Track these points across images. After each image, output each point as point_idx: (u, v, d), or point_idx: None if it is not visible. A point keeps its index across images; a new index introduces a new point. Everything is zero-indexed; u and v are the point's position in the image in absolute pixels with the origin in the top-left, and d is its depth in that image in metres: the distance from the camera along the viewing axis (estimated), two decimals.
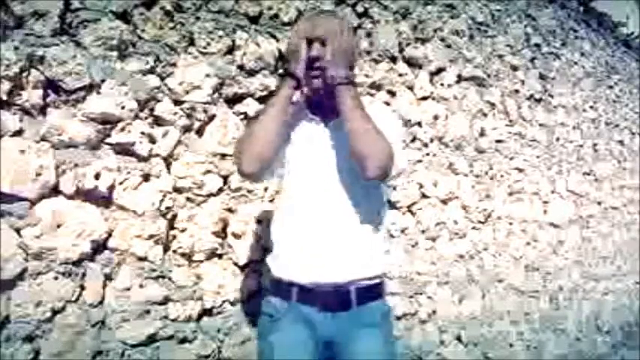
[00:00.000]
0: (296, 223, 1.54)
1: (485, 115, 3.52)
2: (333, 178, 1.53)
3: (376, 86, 2.72)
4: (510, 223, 3.71)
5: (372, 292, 1.55)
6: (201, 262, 1.99)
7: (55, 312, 1.61)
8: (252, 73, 2.16)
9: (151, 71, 1.87)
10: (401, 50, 2.89)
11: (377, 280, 1.57)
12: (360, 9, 2.67)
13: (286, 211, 1.57)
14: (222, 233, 2.05)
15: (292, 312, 1.52)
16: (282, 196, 1.64)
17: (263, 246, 2.14)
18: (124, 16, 1.81)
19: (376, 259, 1.57)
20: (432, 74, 3.10)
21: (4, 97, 1.53)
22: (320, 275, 1.49)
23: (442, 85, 3.15)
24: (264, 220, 2.14)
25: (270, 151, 1.49)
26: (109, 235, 1.75)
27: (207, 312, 1.99)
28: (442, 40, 3.18)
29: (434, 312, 2.99)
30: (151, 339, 1.83)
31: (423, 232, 2.97)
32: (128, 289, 1.78)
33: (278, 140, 1.51)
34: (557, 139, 4.38)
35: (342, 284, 1.51)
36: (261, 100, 2.19)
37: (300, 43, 1.51)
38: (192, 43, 1.99)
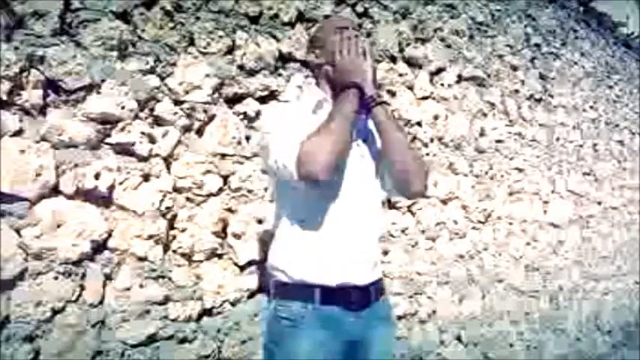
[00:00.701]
0: (320, 229, 1.52)
1: (485, 115, 3.52)
2: (357, 184, 1.56)
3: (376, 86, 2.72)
4: (510, 223, 3.71)
5: (381, 288, 1.64)
6: (201, 262, 1.99)
7: (55, 312, 1.61)
8: (252, 73, 2.17)
9: (151, 71, 1.87)
10: (401, 50, 2.89)
11: (381, 277, 1.66)
12: (360, 9, 2.67)
13: (309, 217, 1.54)
14: (222, 233, 2.05)
15: (313, 315, 1.50)
16: (298, 202, 1.56)
17: (263, 246, 2.14)
18: (124, 16, 1.81)
19: (380, 261, 1.65)
20: (432, 74, 3.10)
21: (4, 97, 1.53)
22: (345, 277, 1.52)
23: (442, 85, 3.16)
24: (264, 221, 2.14)
25: (341, 161, 1.51)
26: (109, 235, 1.75)
27: (207, 312, 1.99)
28: (442, 40, 3.18)
29: (434, 312, 2.99)
30: (151, 339, 1.83)
31: (423, 232, 2.97)
32: (128, 289, 1.78)
33: (348, 151, 1.53)
34: (557, 139, 4.38)
35: (364, 285, 1.55)
36: (261, 100, 2.19)
37: (361, 59, 1.54)
38: (192, 43, 1.99)
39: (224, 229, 2.06)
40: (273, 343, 1.55)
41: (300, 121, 1.50)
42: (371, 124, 1.61)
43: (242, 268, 2.09)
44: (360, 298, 1.54)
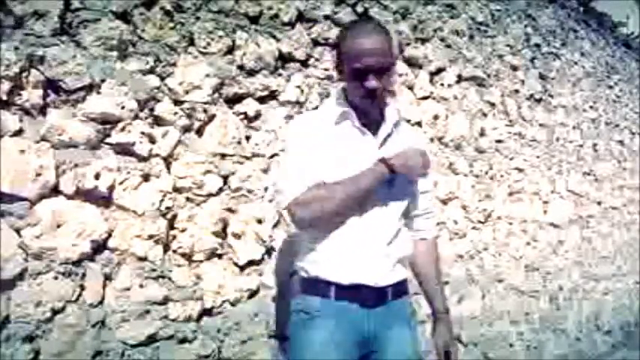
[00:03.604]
0: (340, 232, 1.55)
1: (485, 115, 3.52)
2: (386, 196, 1.57)
3: None
4: (510, 223, 3.71)
5: (401, 288, 1.64)
6: (201, 262, 1.99)
7: (55, 312, 1.61)
8: (252, 73, 2.16)
9: (151, 71, 1.87)
10: (401, 50, 2.89)
11: (404, 278, 1.66)
12: (360, 9, 2.67)
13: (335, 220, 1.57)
14: (222, 233, 2.05)
15: (329, 309, 1.54)
16: None
17: (263, 246, 2.14)
18: (124, 16, 1.81)
19: (403, 264, 1.66)
20: (432, 74, 3.10)
21: (4, 97, 1.53)
22: (360, 278, 1.54)
23: (442, 85, 3.16)
24: (264, 221, 2.14)
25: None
26: (109, 235, 1.75)
27: (207, 312, 1.99)
28: (442, 40, 3.18)
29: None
30: (151, 339, 1.83)
31: None
32: (128, 289, 1.78)
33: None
34: (557, 139, 4.38)
35: (378, 286, 1.56)
36: (261, 100, 2.19)
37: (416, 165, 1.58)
38: (192, 43, 1.99)
39: (224, 229, 2.06)
40: (292, 335, 1.61)
41: (316, 142, 1.54)
42: (393, 118, 1.63)
43: (242, 268, 2.09)
44: (374, 296, 1.56)
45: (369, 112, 1.59)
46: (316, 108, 2.22)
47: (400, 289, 1.63)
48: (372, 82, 1.50)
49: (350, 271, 1.54)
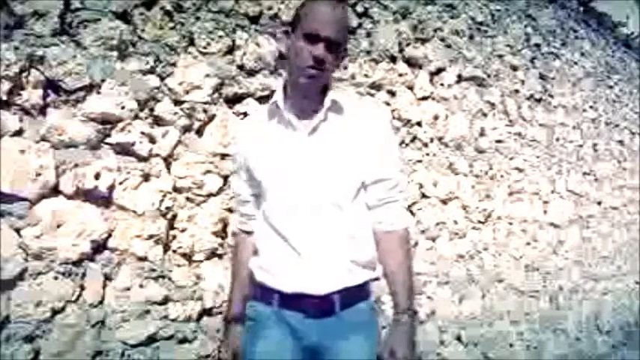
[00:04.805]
0: (278, 234, 1.47)
1: (485, 115, 3.52)
2: (317, 189, 1.45)
3: (376, 86, 2.72)
4: (510, 223, 3.71)
5: (356, 295, 1.50)
6: (201, 262, 1.99)
7: (55, 312, 1.62)
8: (252, 73, 2.16)
9: (151, 71, 1.87)
10: (401, 50, 2.89)
11: (361, 283, 1.50)
12: (360, 9, 2.67)
13: (268, 220, 1.50)
14: (222, 233, 2.05)
15: (275, 317, 1.46)
16: (262, 203, 1.54)
17: None
18: (124, 16, 1.81)
19: (362, 265, 1.50)
20: (432, 74, 3.10)
21: (4, 97, 1.53)
22: (302, 286, 1.44)
23: (442, 85, 3.15)
24: None
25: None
26: (109, 235, 1.75)
27: (207, 312, 1.99)
28: (442, 40, 3.18)
29: (434, 312, 2.99)
30: (151, 339, 1.83)
31: (423, 232, 2.97)
32: (128, 289, 1.78)
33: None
34: (557, 139, 4.38)
35: (324, 295, 1.44)
36: (261, 100, 2.19)
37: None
38: (192, 43, 1.99)
39: (224, 229, 2.05)
40: (244, 343, 1.54)
41: (244, 146, 1.54)
42: (327, 102, 1.46)
43: None
44: (318, 306, 1.44)
45: (308, 97, 1.46)
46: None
47: (356, 294, 1.48)
48: (320, 50, 1.38)
49: (291, 278, 1.44)
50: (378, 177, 1.50)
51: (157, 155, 1.88)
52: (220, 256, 2.04)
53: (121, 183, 1.78)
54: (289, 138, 1.47)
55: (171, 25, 1.93)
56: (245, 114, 2.14)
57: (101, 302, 1.73)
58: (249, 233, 1.60)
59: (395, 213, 1.54)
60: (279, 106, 1.48)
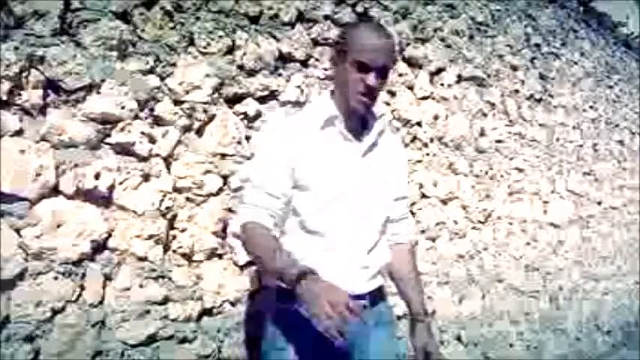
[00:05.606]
0: (320, 240, 1.54)
1: (485, 115, 3.52)
2: (364, 202, 1.57)
3: None
4: (510, 223, 3.71)
5: (379, 295, 1.65)
6: (201, 262, 1.99)
7: (55, 312, 1.61)
8: (252, 73, 2.16)
9: (151, 71, 1.87)
10: (401, 50, 2.89)
11: (382, 284, 1.67)
12: (360, 9, 2.67)
13: (309, 227, 1.55)
14: (222, 233, 2.05)
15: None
16: (302, 209, 1.56)
17: None
18: (124, 16, 1.81)
19: (380, 269, 1.65)
20: (432, 74, 3.10)
21: (4, 97, 1.53)
22: (347, 286, 1.49)
23: (442, 85, 3.16)
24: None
25: None
26: (109, 235, 1.75)
27: (207, 312, 1.99)
28: (442, 40, 3.18)
29: (434, 312, 2.99)
30: (151, 339, 1.83)
31: (423, 232, 2.97)
32: (128, 289, 1.78)
33: None
34: (557, 139, 4.38)
35: (358, 295, 1.53)
36: (261, 100, 2.19)
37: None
38: (192, 43, 1.99)
39: (224, 229, 2.05)
40: (268, 342, 1.60)
41: (295, 149, 1.52)
42: (379, 127, 1.60)
43: (242, 268, 2.09)
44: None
45: (357, 117, 1.57)
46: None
47: (378, 295, 1.64)
48: (372, 80, 1.48)
49: (328, 279, 1.46)
50: (402, 195, 1.73)
51: (157, 155, 1.88)
52: (220, 256, 2.04)
53: (121, 183, 1.78)
54: (347, 152, 1.56)
55: (171, 25, 1.93)
56: (245, 114, 2.14)
57: (101, 302, 1.72)
58: (267, 229, 1.51)
59: (409, 227, 1.81)
60: (334, 122, 1.54)
